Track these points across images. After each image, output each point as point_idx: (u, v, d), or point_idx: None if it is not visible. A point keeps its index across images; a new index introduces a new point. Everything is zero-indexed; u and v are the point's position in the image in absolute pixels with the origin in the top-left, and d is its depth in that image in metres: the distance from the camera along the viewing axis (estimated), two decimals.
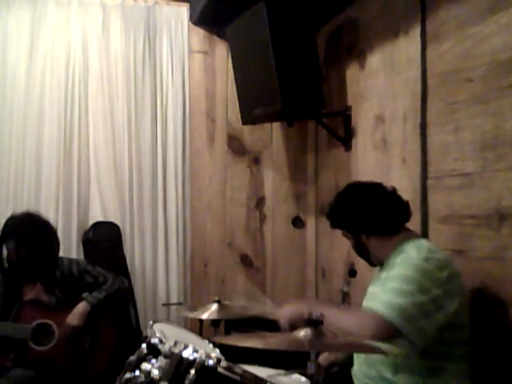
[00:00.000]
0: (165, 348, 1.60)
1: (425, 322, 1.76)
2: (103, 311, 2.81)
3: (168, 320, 3.25)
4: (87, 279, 2.86)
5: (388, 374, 1.89)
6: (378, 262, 2.08)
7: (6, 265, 2.75)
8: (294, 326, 1.85)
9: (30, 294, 2.79)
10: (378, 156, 2.88)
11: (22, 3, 3.39)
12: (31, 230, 2.80)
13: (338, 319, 1.80)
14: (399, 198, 2.06)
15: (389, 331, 1.73)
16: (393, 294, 1.79)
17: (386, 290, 1.84)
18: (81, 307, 2.75)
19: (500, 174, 2.01)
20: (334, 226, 2.14)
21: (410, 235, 2.03)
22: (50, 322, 2.72)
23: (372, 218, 2.02)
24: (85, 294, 2.79)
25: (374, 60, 2.92)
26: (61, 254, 3.11)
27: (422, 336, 1.76)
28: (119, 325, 2.88)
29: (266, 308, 2.15)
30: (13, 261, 2.75)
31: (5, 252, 2.74)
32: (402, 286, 1.79)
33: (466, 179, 2.19)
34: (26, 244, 2.75)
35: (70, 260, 2.96)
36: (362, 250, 2.09)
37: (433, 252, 1.88)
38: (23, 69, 3.37)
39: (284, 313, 1.95)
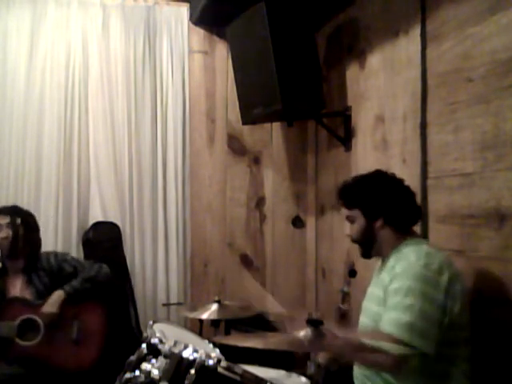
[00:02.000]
0: (165, 348, 1.61)
1: (435, 332, 1.76)
2: (84, 298, 2.81)
3: (168, 320, 3.25)
4: (67, 269, 2.87)
5: (388, 375, 1.88)
6: (377, 254, 2.06)
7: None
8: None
9: (12, 291, 2.79)
10: (378, 156, 2.87)
11: (22, 3, 3.39)
12: (25, 212, 2.89)
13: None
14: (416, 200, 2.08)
15: (408, 352, 1.72)
16: (401, 311, 1.77)
17: (393, 307, 1.82)
18: (54, 295, 2.75)
19: (500, 173, 2.01)
20: (350, 203, 2.05)
21: (413, 237, 2.02)
22: (34, 316, 2.71)
23: (398, 206, 2.00)
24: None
25: (374, 60, 2.92)
26: None
27: (434, 346, 1.76)
28: (110, 317, 2.87)
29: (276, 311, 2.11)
30: (8, 238, 2.77)
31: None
32: (407, 299, 1.78)
33: (466, 179, 2.19)
34: (21, 220, 2.81)
35: (47, 252, 2.96)
36: (369, 237, 2.03)
37: (431, 256, 1.86)
38: (23, 69, 3.38)
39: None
